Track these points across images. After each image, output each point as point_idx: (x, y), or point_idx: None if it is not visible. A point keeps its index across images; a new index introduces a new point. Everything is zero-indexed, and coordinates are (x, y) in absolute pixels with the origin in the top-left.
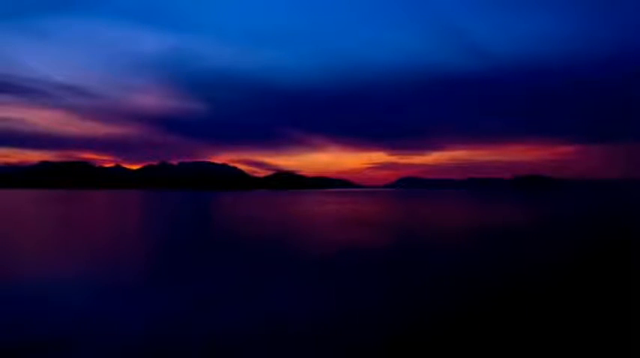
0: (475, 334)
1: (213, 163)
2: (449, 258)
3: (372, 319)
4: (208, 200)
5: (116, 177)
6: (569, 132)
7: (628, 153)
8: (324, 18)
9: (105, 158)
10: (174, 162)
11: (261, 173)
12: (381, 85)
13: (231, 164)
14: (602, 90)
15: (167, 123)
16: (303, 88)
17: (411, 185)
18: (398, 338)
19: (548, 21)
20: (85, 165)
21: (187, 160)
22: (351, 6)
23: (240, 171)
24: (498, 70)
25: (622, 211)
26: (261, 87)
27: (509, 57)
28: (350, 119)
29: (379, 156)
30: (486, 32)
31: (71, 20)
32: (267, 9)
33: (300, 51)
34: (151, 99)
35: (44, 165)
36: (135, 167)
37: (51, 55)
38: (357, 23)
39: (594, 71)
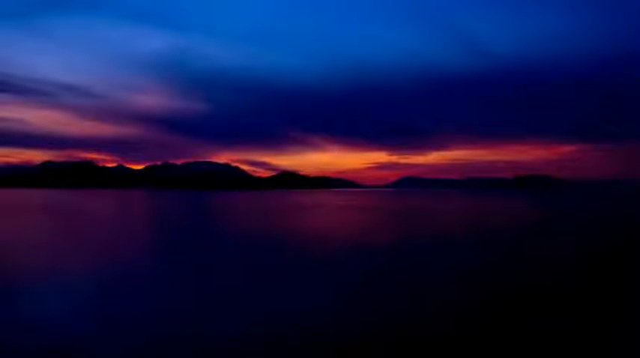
0: (476, 333)
1: (216, 163)
2: (451, 256)
3: (372, 317)
4: (214, 200)
5: (119, 177)
6: (569, 132)
7: (628, 153)
8: (324, 18)
9: (106, 158)
10: (178, 162)
11: (262, 173)
12: (381, 84)
13: (233, 164)
14: (603, 90)
15: (168, 123)
16: (303, 87)
17: (411, 185)
18: (398, 338)
19: (550, 21)
20: (89, 165)
21: (189, 160)
22: (351, 6)
23: (243, 171)
24: (499, 70)
25: (622, 211)
26: (261, 87)
27: (510, 56)
28: (350, 119)
29: (379, 156)
30: (488, 31)
31: (72, 20)
32: (268, 9)
33: (302, 51)
34: (152, 99)
35: (47, 165)
36: (137, 167)
37: (52, 55)
38: (358, 23)
39: (595, 71)
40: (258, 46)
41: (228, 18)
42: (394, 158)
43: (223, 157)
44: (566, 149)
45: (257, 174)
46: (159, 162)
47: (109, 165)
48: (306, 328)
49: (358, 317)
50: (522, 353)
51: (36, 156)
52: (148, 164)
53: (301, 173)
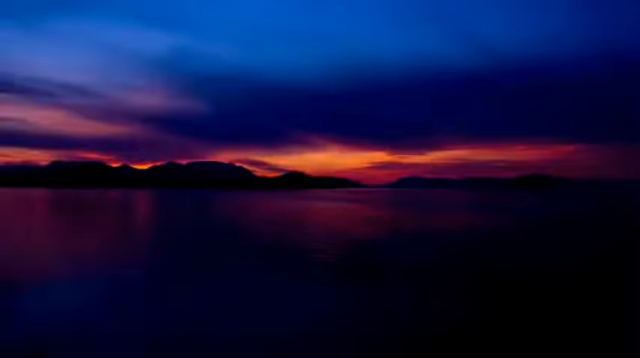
0: (475, 333)
1: (221, 163)
2: (449, 254)
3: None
4: (221, 200)
5: (125, 177)
6: (569, 131)
7: (628, 153)
8: (325, 19)
9: (109, 158)
10: (182, 161)
11: (261, 172)
12: (381, 84)
13: (237, 164)
14: (603, 91)
15: (170, 123)
16: (304, 87)
17: (411, 184)
18: (397, 339)
19: (552, 22)
20: (98, 165)
21: (193, 160)
22: (352, 6)
23: (247, 171)
24: (500, 70)
25: (622, 211)
26: (263, 87)
27: (511, 57)
28: (350, 119)
29: (380, 156)
30: (490, 31)
31: (74, 20)
32: (269, 9)
33: (302, 51)
34: (153, 98)
35: (56, 165)
36: (141, 167)
37: (53, 55)
38: (359, 23)
39: (595, 72)
40: (259, 47)
41: (229, 18)
42: (395, 158)
43: (223, 157)
44: (567, 148)
45: (257, 174)
46: (164, 162)
47: (113, 164)
48: (309, 329)
49: (359, 315)
50: (522, 353)
51: (37, 155)
52: (152, 164)
53: (303, 173)
